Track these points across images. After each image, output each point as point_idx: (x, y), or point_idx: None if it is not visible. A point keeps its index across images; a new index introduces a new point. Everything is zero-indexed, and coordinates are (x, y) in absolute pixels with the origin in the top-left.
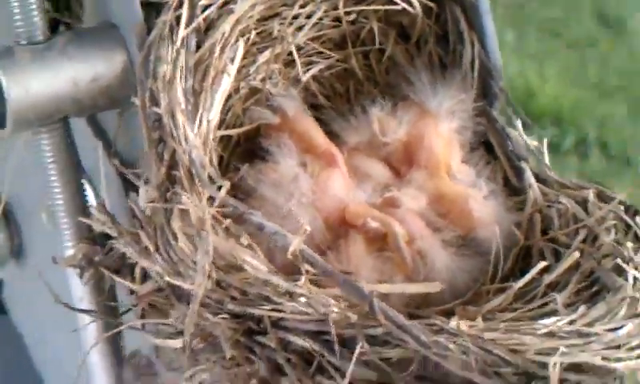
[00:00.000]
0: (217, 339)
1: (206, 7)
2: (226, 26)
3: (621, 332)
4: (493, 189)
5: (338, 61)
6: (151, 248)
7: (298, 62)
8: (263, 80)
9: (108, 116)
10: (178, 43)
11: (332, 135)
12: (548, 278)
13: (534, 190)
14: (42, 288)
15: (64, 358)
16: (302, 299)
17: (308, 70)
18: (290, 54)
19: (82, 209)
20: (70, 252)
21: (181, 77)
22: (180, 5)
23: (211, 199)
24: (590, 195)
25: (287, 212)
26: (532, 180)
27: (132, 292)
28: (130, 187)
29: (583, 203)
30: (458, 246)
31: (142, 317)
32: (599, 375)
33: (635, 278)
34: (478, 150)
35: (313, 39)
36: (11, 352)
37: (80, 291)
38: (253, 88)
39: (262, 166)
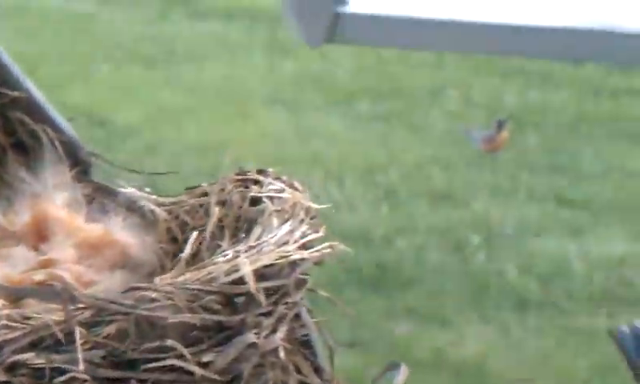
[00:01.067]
0: None
1: None
2: None
3: (282, 233)
4: (123, 222)
5: None
6: None
7: None
8: None
9: None
10: None
11: None
12: (204, 244)
13: (158, 211)
14: None
15: None
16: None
17: None
18: None
19: None
20: None
21: None
22: None
23: None
24: (205, 186)
25: None
26: (153, 206)
27: None
28: None
29: (203, 194)
30: (119, 269)
31: None
32: (286, 274)
33: (271, 198)
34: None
35: None
36: None
37: None
38: None
39: None
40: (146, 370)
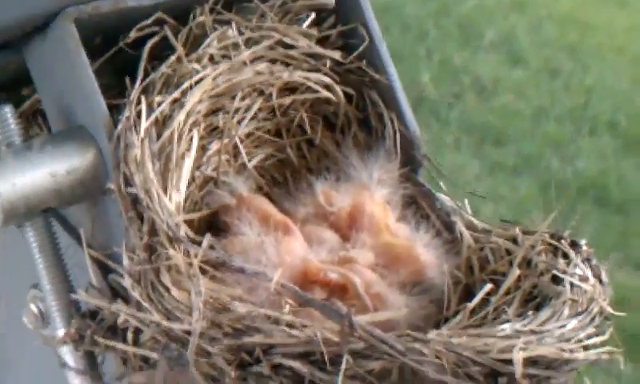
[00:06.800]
0: (213, 372)
1: (160, 103)
2: (180, 117)
3: (568, 327)
4: (430, 238)
5: (275, 151)
6: (145, 303)
7: (243, 151)
8: (215, 169)
9: (80, 212)
10: (142, 133)
11: (282, 211)
12: (495, 299)
13: (466, 236)
14: None
15: None
16: (289, 326)
17: (251, 159)
18: (236, 145)
19: (69, 291)
20: (61, 332)
21: (149, 160)
22: (138, 102)
23: (195, 254)
24: (517, 231)
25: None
26: (463, 229)
27: (124, 361)
28: (107, 272)
29: (513, 239)
30: (409, 288)
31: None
32: (555, 368)
33: (572, 284)
34: (409, 209)
35: (253, 130)
36: None
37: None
38: (206, 177)
39: (226, 240)
40: None
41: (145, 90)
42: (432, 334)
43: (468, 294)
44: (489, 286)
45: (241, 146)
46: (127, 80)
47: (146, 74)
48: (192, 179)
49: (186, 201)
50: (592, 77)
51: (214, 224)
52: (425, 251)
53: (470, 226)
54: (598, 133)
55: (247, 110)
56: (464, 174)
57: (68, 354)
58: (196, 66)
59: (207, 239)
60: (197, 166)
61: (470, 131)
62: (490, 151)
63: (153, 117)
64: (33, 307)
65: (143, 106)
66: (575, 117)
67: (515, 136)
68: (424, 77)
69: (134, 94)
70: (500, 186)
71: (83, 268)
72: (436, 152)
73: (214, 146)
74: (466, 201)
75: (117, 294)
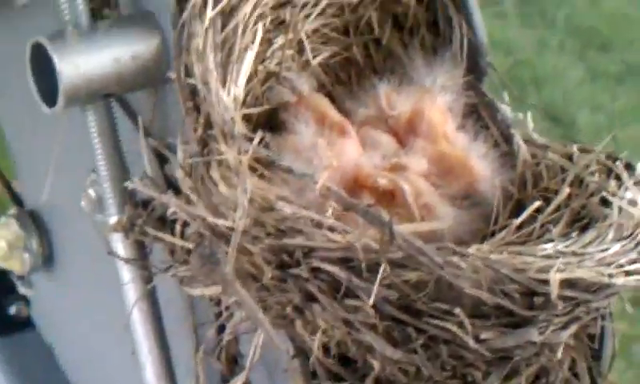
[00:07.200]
0: (253, 271)
1: None
2: (246, 8)
3: (610, 251)
4: (486, 150)
5: (341, 49)
6: (193, 197)
7: (308, 48)
8: (278, 64)
9: (139, 101)
10: (207, 23)
11: (342, 111)
12: (542, 216)
13: (523, 150)
14: (76, 299)
15: (98, 364)
16: (330, 230)
17: (316, 56)
18: (301, 40)
19: (125, 179)
20: (114, 219)
21: (211, 51)
22: None
23: (245, 151)
24: (574, 149)
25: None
26: (521, 142)
27: (172, 252)
28: (163, 162)
29: (568, 157)
30: (459, 200)
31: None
32: (593, 291)
33: (620, 208)
34: (469, 119)
35: (320, 27)
36: (42, 368)
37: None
38: (269, 71)
39: (281, 137)
40: (427, 324)
41: None
42: (472, 249)
43: (520, 209)
44: (537, 203)
45: (306, 42)
46: None
47: None
48: (255, 73)
49: (247, 94)
50: None
51: (275, 120)
52: (479, 163)
53: (529, 141)
54: None
55: (315, 4)
56: (565, 79)
57: (118, 242)
58: None
59: (259, 136)
60: (261, 59)
61: (576, 34)
62: (594, 56)
63: (219, 7)
64: (91, 192)
65: None
66: None
67: (621, 43)
68: None
69: None
70: (600, 93)
71: (141, 156)
72: (538, 53)
73: (280, 40)
74: (529, 114)
75: (171, 184)
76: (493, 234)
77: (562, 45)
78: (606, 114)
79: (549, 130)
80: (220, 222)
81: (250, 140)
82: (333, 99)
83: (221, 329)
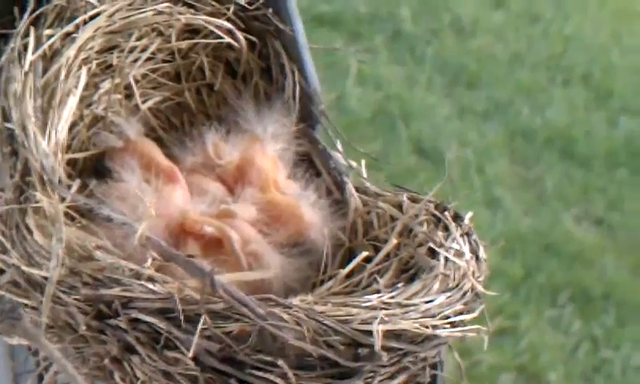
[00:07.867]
0: (70, 321)
1: (50, 36)
2: (70, 52)
3: (435, 302)
4: (318, 199)
5: (172, 94)
6: (7, 245)
7: (137, 92)
8: (105, 109)
9: None
10: (27, 67)
11: (170, 157)
12: (370, 266)
13: (355, 199)
14: None
15: None
16: (149, 280)
17: (146, 101)
18: (129, 86)
19: None
20: None
21: (30, 96)
22: (27, 34)
23: (63, 199)
24: (404, 198)
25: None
26: (353, 191)
27: None
28: None
29: (398, 206)
30: (288, 248)
31: None
32: (418, 343)
33: (446, 258)
34: (301, 167)
35: (150, 72)
36: None
37: None
38: (96, 116)
39: (107, 184)
40: (251, 375)
41: (35, 22)
42: (295, 300)
43: (351, 257)
44: (364, 254)
45: (135, 87)
46: (16, 10)
47: (39, 4)
48: (80, 117)
49: (73, 139)
50: (571, 27)
51: (102, 166)
52: (310, 211)
53: (361, 189)
54: (571, 84)
55: (144, 49)
56: (433, 115)
57: None
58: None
59: (77, 184)
60: (87, 104)
61: (444, 71)
62: (461, 93)
63: (40, 50)
64: None
65: (31, 39)
66: (550, 66)
67: (488, 80)
68: (403, 11)
69: (22, 25)
70: (468, 129)
71: None
72: (407, 90)
73: (106, 85)
74: (363, 162)
75: None
76: (322, 283)
77: (430, 81)
78: (474, 149)
79: (416, 165)
80: (35, 271)
81: (69, 188)
82: (163, 144)
83: (40, 378)
